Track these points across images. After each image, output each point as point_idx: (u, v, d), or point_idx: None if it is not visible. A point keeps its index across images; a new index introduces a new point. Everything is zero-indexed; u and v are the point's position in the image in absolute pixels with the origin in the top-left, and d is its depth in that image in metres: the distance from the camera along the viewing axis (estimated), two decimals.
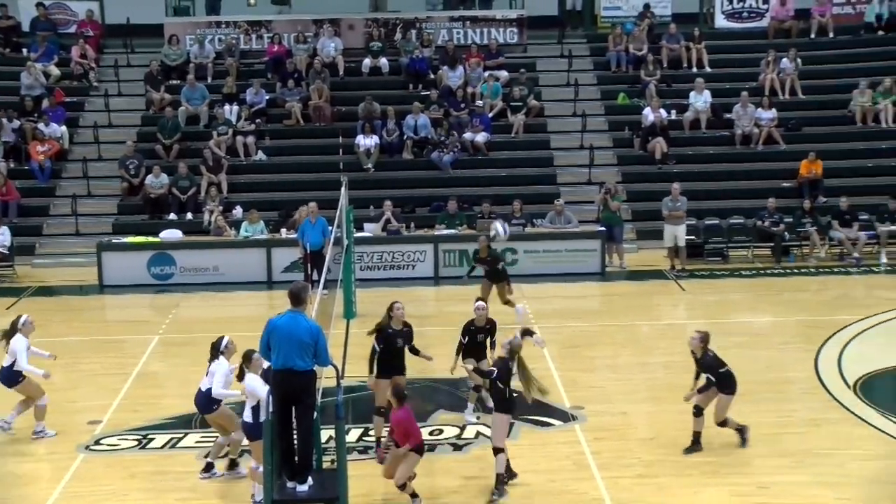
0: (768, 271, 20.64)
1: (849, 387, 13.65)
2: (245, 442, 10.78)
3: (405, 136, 24.27)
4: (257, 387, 10.06)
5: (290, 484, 9.63)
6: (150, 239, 20.80)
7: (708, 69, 26.61)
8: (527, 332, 11.22)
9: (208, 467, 11.15)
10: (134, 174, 23.25)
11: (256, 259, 20.40)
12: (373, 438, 11.77)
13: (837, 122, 25.36)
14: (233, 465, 11.12)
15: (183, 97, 25.12)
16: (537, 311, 17.51)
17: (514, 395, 10.71)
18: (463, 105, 25.04)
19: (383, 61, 26.55)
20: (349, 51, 26.91)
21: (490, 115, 24.96)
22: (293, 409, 9.56)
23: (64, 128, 24.56)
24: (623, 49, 26.79)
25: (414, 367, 12.25)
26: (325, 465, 10.29)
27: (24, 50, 26.92)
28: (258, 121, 24.81)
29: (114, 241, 21.04)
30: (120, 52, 27.57)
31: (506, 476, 10.55)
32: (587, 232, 21.04)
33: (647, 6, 27.90)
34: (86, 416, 12.96)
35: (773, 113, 24.57)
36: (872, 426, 12.29)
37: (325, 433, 10.64)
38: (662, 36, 27.11)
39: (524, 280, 18.89)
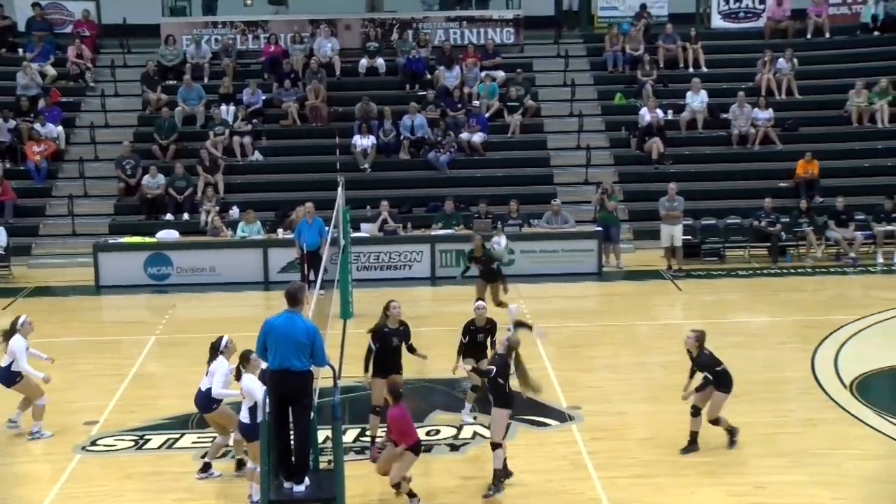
0: (765, 271, 20.66)
1: (845, 387, 13.66)
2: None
3: (402, 137, 24.27)
4: (254, 387, 10.05)
5: (287, 484, 9.62)
6: (147, 239, 20.78)
7: (704, 69, 26.62)
8: (520, 325, 11.32)
9: (205, 467, 11.15)
10: (130, 174, 23.24)
11: (253, 259, 20.40)
12: (369, 438, 11.77)
13: (834, 122, 25.39)
14: (240, 464, 11.10)
15: (179, 97, 25.10)
16: (534, 311, 17.49)
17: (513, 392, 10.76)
18: (459, 105, 25.04)
19: (380, 61, 26.55)
20: (346, 51, 26.91)
21: (487, 115, 24.96)
22: (290, 409, 9.56)
23: (60, 128, 24.53)
24: (619, 49, 26.80)
25: (411, 368, 12.25)
26: (322, 466, 10.28)
27: (20, 50, 26.88)
28: (255, 121, 24.80)
29: (110, 241, 21.04)
30: (116, 52, 27.53)
31: (503, 472, 10.56)
32: (584, 232, 21.06)
33: (643, 6, 27.92)
34: (82, 416, 12.95)
35: (769, 113, 24.60)
36: (869, 426, 12.30)
37: (322, 433, 10.63)
38: (659, 36, 27.12)
39: (521, 280, 18.88)
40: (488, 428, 11.31)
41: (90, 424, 12.69)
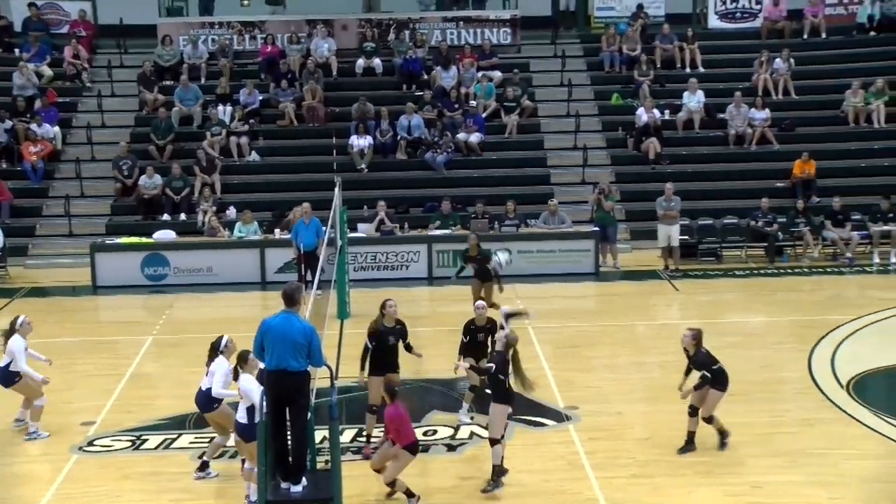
0: (762, 271, 20.68)
1: (842, 386, 13.67)
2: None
3: (399, 137, 24.27)
4: (252, 388, 10.05)
5: (284, 484, 9.61)
6: (144, 240, 20.76)
7: (701, 69, 26.64)
8: (511, 316, 11.49)
9: (203, 466, 11.14)
10: (127, 175, 23.22)
11: (250, 260, 20.39)
12: (364, 437, 11.78)
13: (830, 122, 25.41)
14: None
15: (176, 98, 25.09)
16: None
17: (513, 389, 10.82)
18: (456, 105, 25.04)
19: (377, 62, 26.54)
20: (343, 51, 26.90)
21: (484, 115, 24.97)
22: (287, 409, 9.56)
23: (57, 128, 24.51)
24: (616, 49, 26.81)
25: (408, 368, 12.26)
26: (319, 466, 10.28)
27: (17, 50, 26.87)
28: (252, 121, 24.79)
29: (107, 241, 21.02)
30: (113, 52, 27.52)
31: (502, 468, 10.57)
32: (581, 232, 21.06)
33: (640, 6, 27.93)
34: (79, 417, 12.94)
35: (766, 113, 24.62)
36: (865, 426, 12.31)
37: (320, 434, 10.62)
38: (656, 36, 27.13)
39: (518, 280, 18.88)
40: (486, 428, 11.33)
41: (87, 425, 12.68)
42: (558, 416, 12.71)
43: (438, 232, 21.06)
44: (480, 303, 12.83)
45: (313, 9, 27.65)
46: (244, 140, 24.23)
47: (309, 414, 9.71)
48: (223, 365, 10.91)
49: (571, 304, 19.20)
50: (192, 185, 22.92)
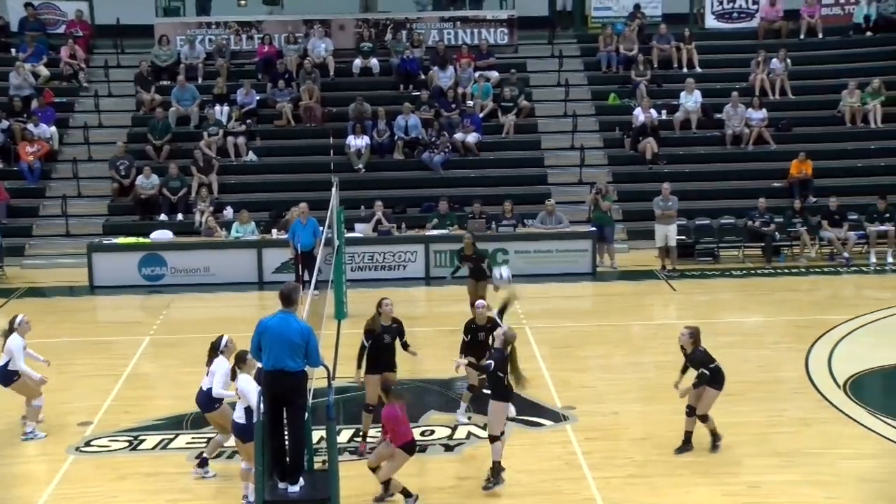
0: (759, 271, 20.69)
1: (839, 386, 13.68)
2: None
3: (396, 137, 24.27)
4: (250, 388, 10.04)
5: (281, 485, 9.62)
6: (141, 240, 20.76)
7: (698, 69, 26.66)
8: (502, 312, 12.14)
9: (202, 463, 11.14)
10: (124, 175, 23.20)
11: (247, 260, 20.38)
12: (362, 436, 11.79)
13: (827, 122, 25.44)
14: None
15: (173, 98, 25.07)
16: (528, 311, 17.52)
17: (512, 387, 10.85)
18: (453, 105, 25.04)
19: (374, 62, 26.54)
20: (340, 51, 26.89)
21: (481, 115, 24.97)
22: (284, 409, 9.55)
23: (53, 128, 24.49)
24: (613, 49, 26.82)
25: (405, 368, 12.25)
26: (316, 466, 10.28)
27: (13, 50, 26.83)
28: (249, 121, 24.77)
29: (104, 242, 21.00)
30: (110, 52, 27.48)
31: (502, 465, 10.59)
32: (578, 232, 21.07)
33: (637, 7, 27.94)
34: (76, 417, 12.92)
35: (763, 113, 24.64)
36: (862, 425, 12.32)
37: (317, 434, 10.62)
38: (653, 36, 27.14)
39: (515, 280, 18.75)
40: (484, 428, 11.34)
41: (84, 425, 12.67)
42: (555, 417, 12.71)
43: (436, 232, 21.06)
44: (481, 302, 12.84)
45: (310, 9, 27.64)
46: (241, 140, 24.22)
47: (306, 414, 9.71)
48: (223, 365, 10.90)
49: (568, 304, 19.21)
50: (189, 185, 22.90)
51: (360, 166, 23.75)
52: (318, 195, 20.07)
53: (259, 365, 9.87)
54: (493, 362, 10.72)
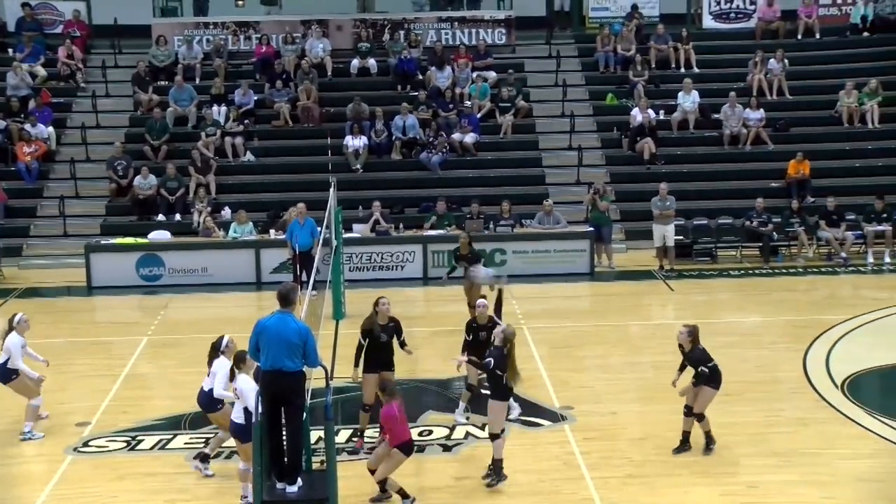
0: (756, 271, 20.70)
1: (836, 386, 13.69)
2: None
3: (394, 137, 24.27)
4: (249, 388, 10.03)
5: (279, 485, 9.62)
6: (139, 240, 20.74)
7: (696, 69, 26.68)
8: (498, 310, 12.22)
9: (203, 458, 11.13)
10: (122, 175, 23.19)
11: (245, 260, 20.37)
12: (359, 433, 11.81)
13: (824, 122, 25.46)
14: None
15: (171, 98, 25.06)
16: (526, 311, 17.54)
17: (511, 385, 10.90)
18: (451, 106, 25.04)
19: (371, 62, 26.53)
20: (337, 51, 26.89)
21: (478, 115, 24.98)
22: (282, 410, 9.55)
23: (51, 129, 24.47)
24: (611, 49, 26.83)
25: (404, 368, 12.25)
26: (314, 466, 10.28)
27: (10, 50, 26.81)
28: (246, 122, 24.77)
29: (102, 242, 21.00)
30: (107, 52, 27.46)
31: (502, 463, 10.59)
32: (576, 232, 21.07)
33: (634, 7, 27.95)
34: (74, 417, 12.91)
35: (760, 113, 24.66)
36: (860, 425, 12.33)
37: (315, 434, 10.62)
38: (650, 36, 27.16)
39: (513, 280, 18.83)
40: (482, 428, 11.33)
41: (82, 425, 12.66)
42: (554, 417, 12.71)
43: (433, 232, 21.05)
44: (482, 301, 12.84)
45: (308, 9, 27.66)
46: (239, 140, 24.21)
47: (304, 414, 9.71)
48: (225, 365, 10.89)
49: (566, 304, 19.21)
50: (186, 185, 22.89)
51: (358, 166, 23.75)
52: (316, 195, 20.09)
53: (257, 365, 9.87)
54: (492, 360, 10.74)
